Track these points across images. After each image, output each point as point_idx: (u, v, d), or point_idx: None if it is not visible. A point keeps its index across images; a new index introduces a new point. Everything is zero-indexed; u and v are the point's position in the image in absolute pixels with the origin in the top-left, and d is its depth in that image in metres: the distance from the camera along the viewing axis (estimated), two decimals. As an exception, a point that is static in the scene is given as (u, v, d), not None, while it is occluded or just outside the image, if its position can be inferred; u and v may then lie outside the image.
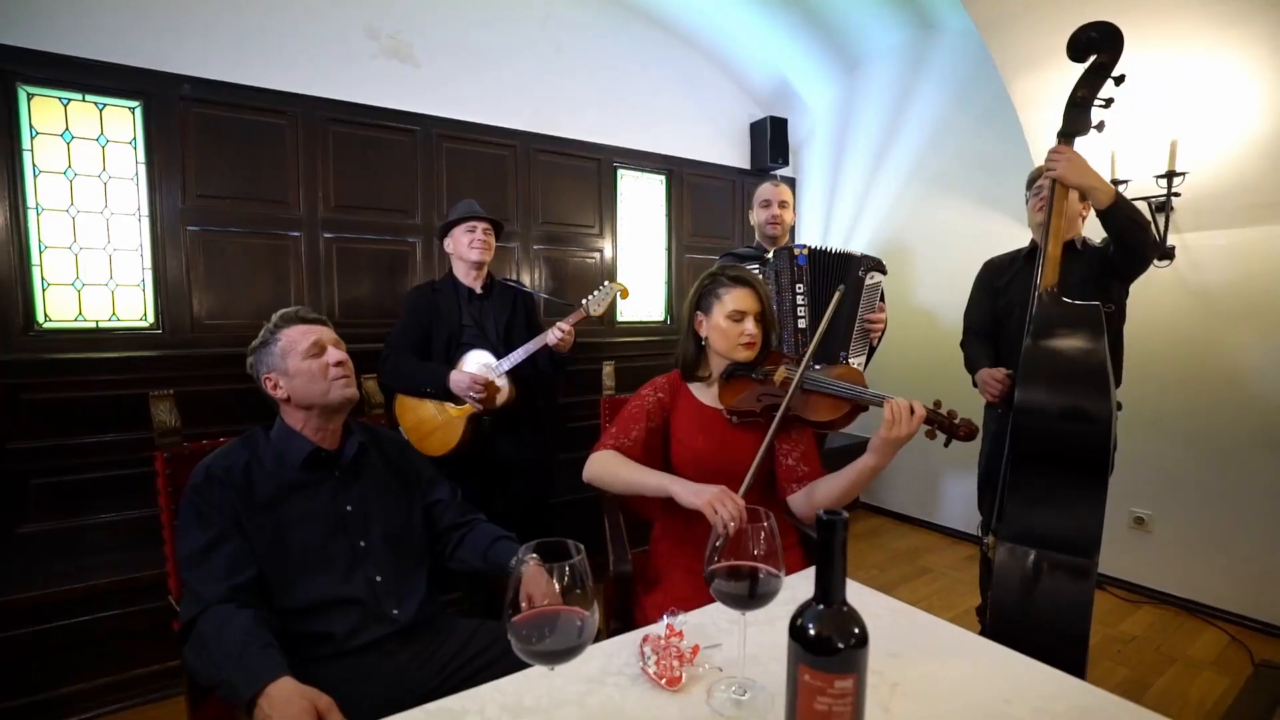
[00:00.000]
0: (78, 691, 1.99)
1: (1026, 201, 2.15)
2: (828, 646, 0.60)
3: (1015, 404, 1.52)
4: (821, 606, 0.62)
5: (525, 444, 2.27)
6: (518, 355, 2.14)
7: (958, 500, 3.47)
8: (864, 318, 2.03)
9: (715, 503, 1.18)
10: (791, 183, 4.30)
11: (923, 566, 3.13)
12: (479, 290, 2.27)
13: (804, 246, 2.06)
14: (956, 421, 1.25)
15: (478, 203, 2.33)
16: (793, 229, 2.54)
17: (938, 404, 1.27)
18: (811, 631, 0.61)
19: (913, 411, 1.22)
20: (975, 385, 2.16)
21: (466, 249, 2.21)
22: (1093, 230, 1.97)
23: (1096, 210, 1.77)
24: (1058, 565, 1.43)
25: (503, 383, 2.15)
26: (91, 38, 2.29)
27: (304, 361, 1.28)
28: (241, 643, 1.04)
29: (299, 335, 1.30)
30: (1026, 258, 2.14)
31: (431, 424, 2.17)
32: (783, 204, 2.43)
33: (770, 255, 2.12)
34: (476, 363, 2.18)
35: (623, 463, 1.42)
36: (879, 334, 2.09)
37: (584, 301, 2.17)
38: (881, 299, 2.10)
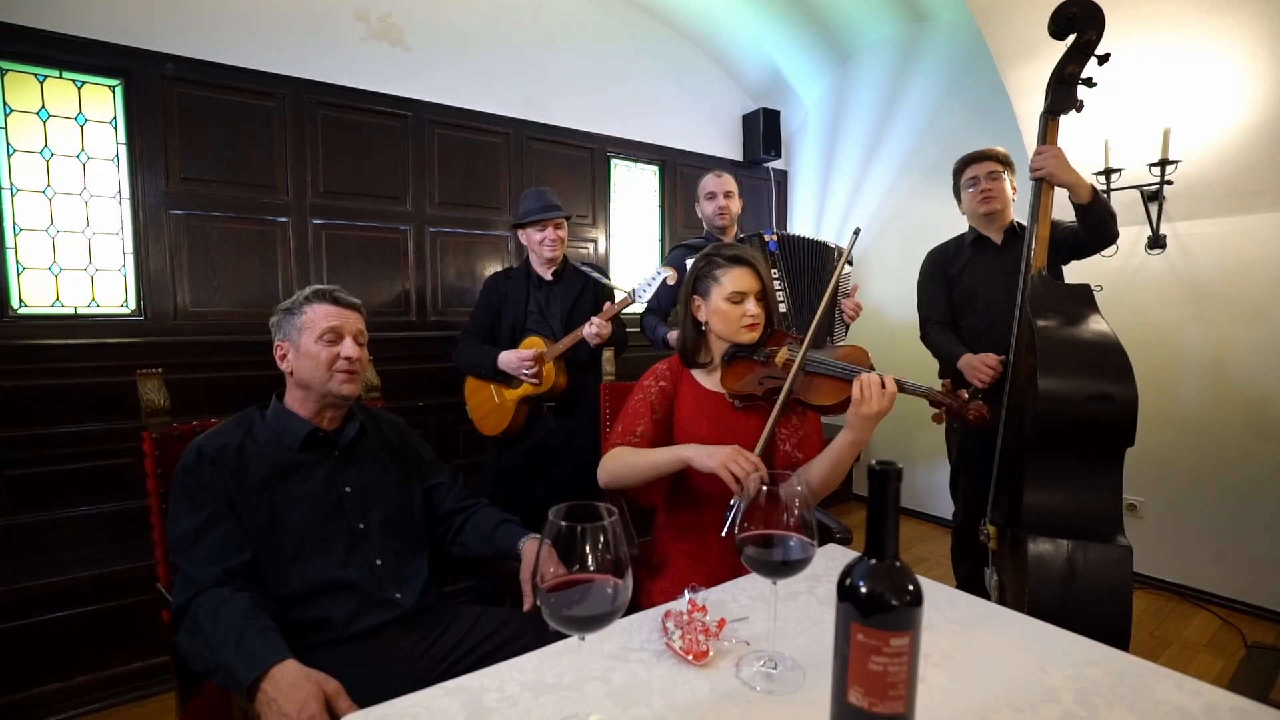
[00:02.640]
0: (55, 691, 1.91)
1: (957, 194, 2.19)
2: (882, 603, 0.57)
3: (1040, 393, 1.50)
4: (874, 561, 0.59)
5: (577, 422, 2.24)
6: (567, 342, 2.12)
7: (941, 488, 3.48)
8: (842, 304, 2.13)
9: (729, 462, 1.15)
10: (783, 174, 4.31)
11: (918, 556, 3.13)
12: (549, 278, 2.27)
13: (772, 233, 2.07)
14: (967, 406, 1.17)
15: (549, 191, 2.27)
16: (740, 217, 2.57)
17: (946, 385, 1.22)
18: (864, 589, 0.58)
19: (884, 386, 1.17)
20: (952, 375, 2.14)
21: (539, 246, 2.22)
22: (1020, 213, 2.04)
23: (1076, 205, 1.81)
24: (1096, 552, 1.44)
25: (551, 368, 2.12)
26: (69, 12, 2.21)
27: (315, 344, 1.24)
28: (240, 626, 1.00)
29: (322, 315, 1.25)
30: (973, 245, 2.16)
31: (489, 405, 2.24)
32: (728, 194, 2.43)
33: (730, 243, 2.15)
34: (533, 348, 2.19)
35: (633, 453, 1.37)
36: (854, 318, 2.17)
37: (632, 289, 2.13)
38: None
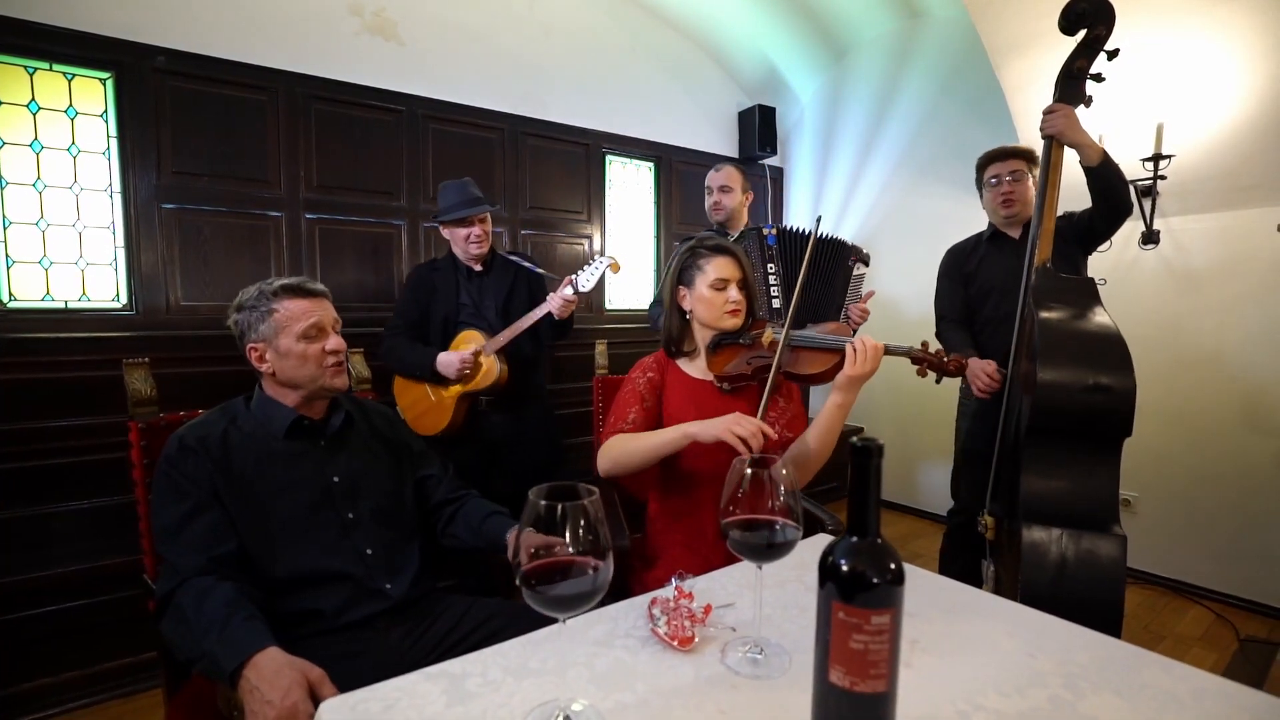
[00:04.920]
0: (43, 686, 1.90)
1: (981, 193, 2.19)
2: (864, 581, 0.57)
3: (1039, 381, 1.50)
4: (855, 539, 0.59)
5: (524, 419, 2.21)
6: (510, 332, 2.07)
7: (942, 486, 3.48)
8: (849, 307, 2.04)
9: (733, 426, 1.19)
10: (779, 171, 4.30)
11: (914, 551, 3.13)
12: (478, 268, 2.21)
13: (773, 227, 2.05)
14: (945, 359, 1.27)
15: (470, 182, 2.21)
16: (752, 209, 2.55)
17: (925, 345, 1.30)
18: (845, 566, 0.58)
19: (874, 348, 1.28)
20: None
21: (464, 244, 2.14)
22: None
23: (1086, 168, 1.80)
24: (1091, 540, 1.44)
25: (493, 362, 2.08)
26: (59, 3, 2.19)
27: (299, 343, 1.21)
28: (224, 614, 0.99)
29: (300, 312, 1.22)
30: (990, 240, 2.17)
31: (424, 404, 2.16)
32: (723, 189, 2.41)
33: (734, 236, 2.10)
34: (469, 342, 2.12)
35: (633, 438, 1.39)
36: (859, 324, 2.08)
37: (573, 277, 2.07)
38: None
